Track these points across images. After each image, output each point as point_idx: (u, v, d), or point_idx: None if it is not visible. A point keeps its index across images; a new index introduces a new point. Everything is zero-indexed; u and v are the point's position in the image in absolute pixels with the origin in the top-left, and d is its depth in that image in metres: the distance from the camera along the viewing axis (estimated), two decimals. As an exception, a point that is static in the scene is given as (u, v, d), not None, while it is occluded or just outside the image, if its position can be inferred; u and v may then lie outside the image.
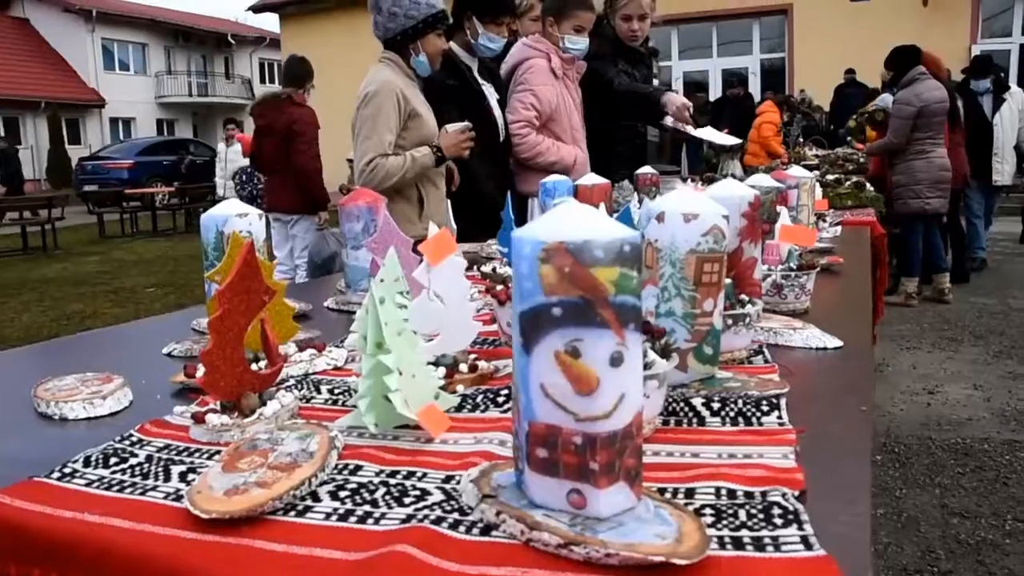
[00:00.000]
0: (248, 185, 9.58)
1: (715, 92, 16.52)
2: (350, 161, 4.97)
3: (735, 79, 15.80)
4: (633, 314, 0.56)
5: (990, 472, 3.54)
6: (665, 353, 0.80)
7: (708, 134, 4.09)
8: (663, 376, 0.78)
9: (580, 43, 3.61)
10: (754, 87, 16.50)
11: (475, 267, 1.97)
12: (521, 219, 3.41)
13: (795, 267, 1.37)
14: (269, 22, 23.50)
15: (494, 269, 1.83)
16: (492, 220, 3.21)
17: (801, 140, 9.47)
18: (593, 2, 3.72)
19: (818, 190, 2.70)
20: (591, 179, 1.88)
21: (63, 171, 26.11)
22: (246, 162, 10.05)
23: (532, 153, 3.54)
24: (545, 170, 3.60)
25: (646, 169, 2.87)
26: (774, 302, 1.38)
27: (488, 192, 3.31)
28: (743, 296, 1.10)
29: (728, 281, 1.03)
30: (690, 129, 3.84)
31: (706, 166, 5.40)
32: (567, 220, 0.56)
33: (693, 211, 0.86)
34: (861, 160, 6.89)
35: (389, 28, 2.96)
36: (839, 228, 2.72)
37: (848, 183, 3.82)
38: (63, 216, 13.91)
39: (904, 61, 6.50)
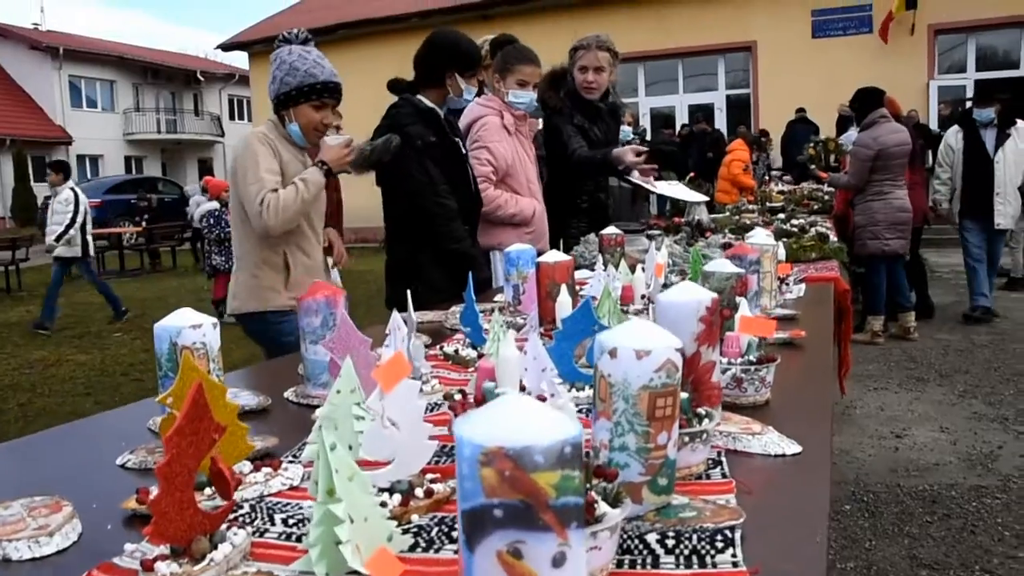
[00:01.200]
0: (216, 228, 9.52)
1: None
2: None
3: (700, 114, 16.05)
4: (575, 512, 0.55)
5: (957, 520, 3.56)
6: (616, 501, 0.79)
7: (674, 190, 4.15)
8: (615, 525, 0.78)
9: (524, 97, 3.67)
10: (720, 122, 16.75)
11: (437, 347, 1.96)
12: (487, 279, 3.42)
13: (755, 359, 1.38)
14: (239, 59, 23.50)
15: (456, 351, 1.83)
16: (466, 275, 3.23)
17: (767, 178, 9.58)
18: (536, 56, 3.80)
19: (781, 251, 2.73)
20: (553, 256, 1.88)
21: (28, 209, 25.85)
22: (214, 204, 10.02)
23: (492, 207, 3.59)
24: (505, 222, 3.66)
25: (611, 230, 2.88)
26: (734, 395, 1.38)
27: (472, 253, 3.32)
28: (700, 409, 1.10)
29: (684, 396, 1.03)
30: (657, 186, 3.92)
31: (673, 210, 5.43)
32: (508, 420, 0.55)
33: (645, 347, 0.86)
34: (826, 198, 6.99)
35: (271, 90, 2.92)
36: (803, 286, 2.74)
37: (811, 233, 3.85)
38: (28, 257, 13.75)
39: (868, 101, 6.61)
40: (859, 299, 6.75)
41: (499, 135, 3.63)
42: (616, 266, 2.47)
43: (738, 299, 1.51)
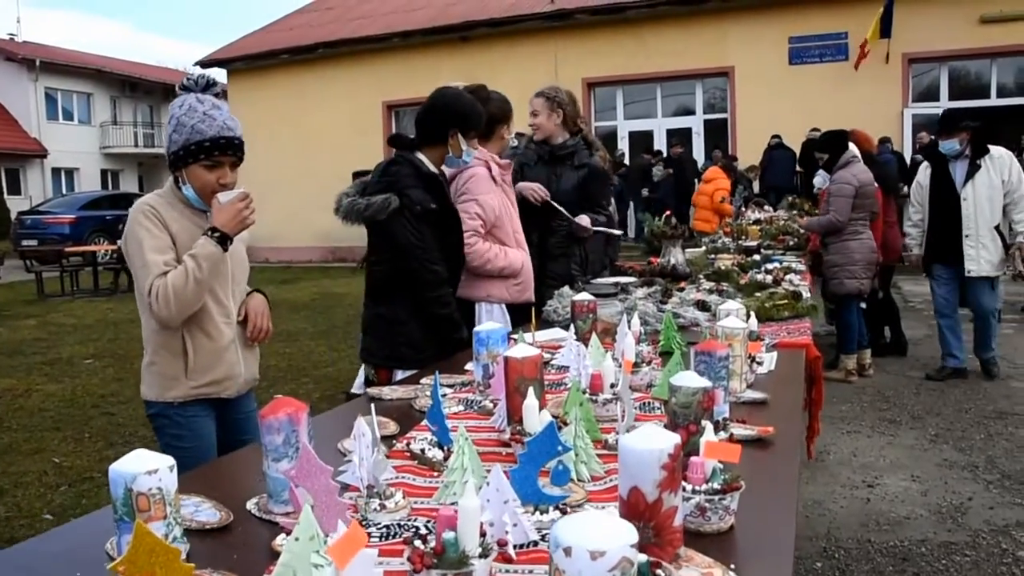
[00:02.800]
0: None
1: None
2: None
3: (675, 139, 16.20)
4: None
5: (928, 580, 3.57)
6: None
7: (593, 224, 4.28)
8: None
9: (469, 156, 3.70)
10: (698, 146, 16.88)
11: (404, 441, 1.94)
12: (471, 327, 3.42)
13: (719, 487, 1.37)
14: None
15: (423, 451, 1.81)
16: (452, 341, 3.23)
17: (743, 209, 9.65)
18: (509, 107, 3.94)
19: (753, 322, 2.73)
20: (522, 351, 1.86)
21: (2, 223, 25.58)
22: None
23: (482, 261, 3.60)
24: (493, 275, 3.66)
25: (583, 296, 2.87)
26: (698, 523, 1.37)
27: (456, 318, 3.32)
28: (659, 572, 1.09)
29: (642, 558, 1.02)
30: (582, 219, 4.09)
31: (648, 248, 5.45)
32: None
33: (600, 548, 0.84)
34: (800, 232, 7.04)
35: (166, 148, 2.59)
36: (775, 355, 2.74)
37: (784, 289, 3.86)
38: (-1, 275, 13.59)
39: (838, 144, 6.70)
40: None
41: (488, 186, 3.65)
42: (587, 340, 2.46)
43: (704, 422, 1.50)
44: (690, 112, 17.67)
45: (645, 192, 15.88)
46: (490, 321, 3.60)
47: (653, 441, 1.17)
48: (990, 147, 6.56)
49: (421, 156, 3.28)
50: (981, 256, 6.50)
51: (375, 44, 19.21)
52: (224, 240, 2.47)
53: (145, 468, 1.19)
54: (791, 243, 6.81)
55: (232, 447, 2.54)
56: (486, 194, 3.61)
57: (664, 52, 16.78)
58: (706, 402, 1.54)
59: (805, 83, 15.51)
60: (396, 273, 3.21)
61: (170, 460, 1.23)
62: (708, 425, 1.48)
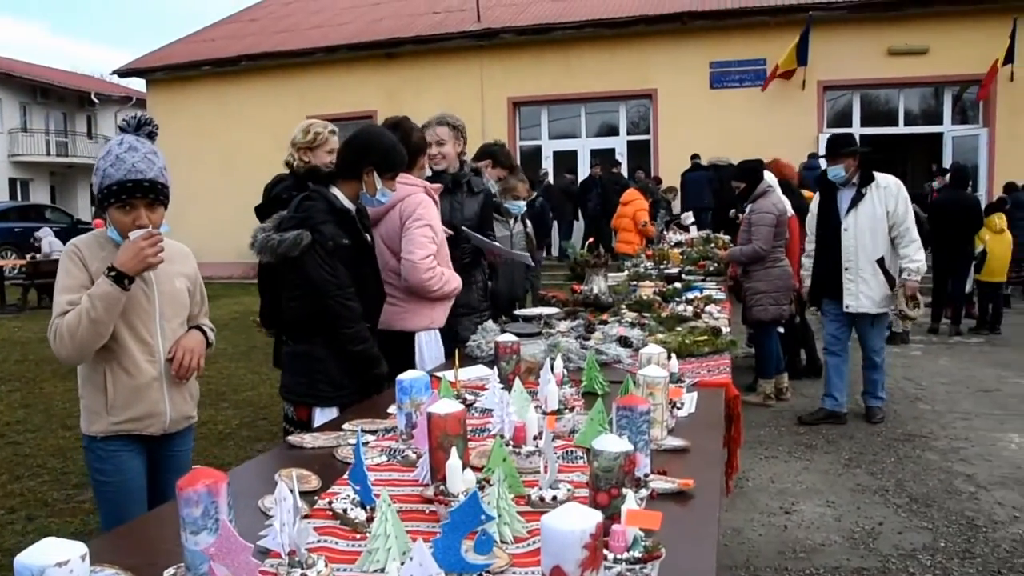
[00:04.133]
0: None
1: (583, 171, 17.08)
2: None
3: (597, 160, 16.44)
4: None
5: (841, 608, 3.66)
6: None
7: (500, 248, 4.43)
8: None
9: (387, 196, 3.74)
10: (621, 167, 17.13)
11: (326, 499, 1.90)
12: (409, 359, 3.40)
13: (640, 556, 1.38)
14: (137, 83, 22.86)
15: (345, 511, 1.78)
16: (370, 381, 3.20)
17: (664, 232, 9.82)
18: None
19: (675, 363, 2.77)
20: (445, 407, 1.85)
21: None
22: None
23: (442, 283, 3.64)
24: (435, 299, 3.67)
25: (506, 337, 2.87)
26: (620, 591, 1.38)
27: (374, 353, 3.28)
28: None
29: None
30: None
31: (572, 274, 5.49)
32: None
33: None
34: (722, 265, 7.18)
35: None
36: (695, 397, 2.79)
37: (704, 323, 3.93)
38: None
39: (754, 174, 6.84)
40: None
41: (434, 212, 3.71)
42: (511, 383, 2.46)
43: (625, 490, 1.51)
44: (614, 132, 17.93)
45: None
46: (430, 349, 3.65)
47: (575, 522, 1.18)
48: (877, 175, 6.11)
49: (336, 190, 3.25)
50: (860, 291, 6.11)
51: (299, 58, 19.01)
52: (121, 279, 2.44)
53: (55, 560, 1.14)
54: (711, 268, 6.95)
55: (165, 484, 2.65)
56: (435, 219, 3.69)
57: (589, 73, 17.03)
58: (627, 465, 1.56)
59: (725, 107, 15.94)
60: (311, 309, 3.16)
61: (82, 548, 1.18)
62: (629, 493, 1.49)
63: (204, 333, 2.83)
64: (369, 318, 3.29)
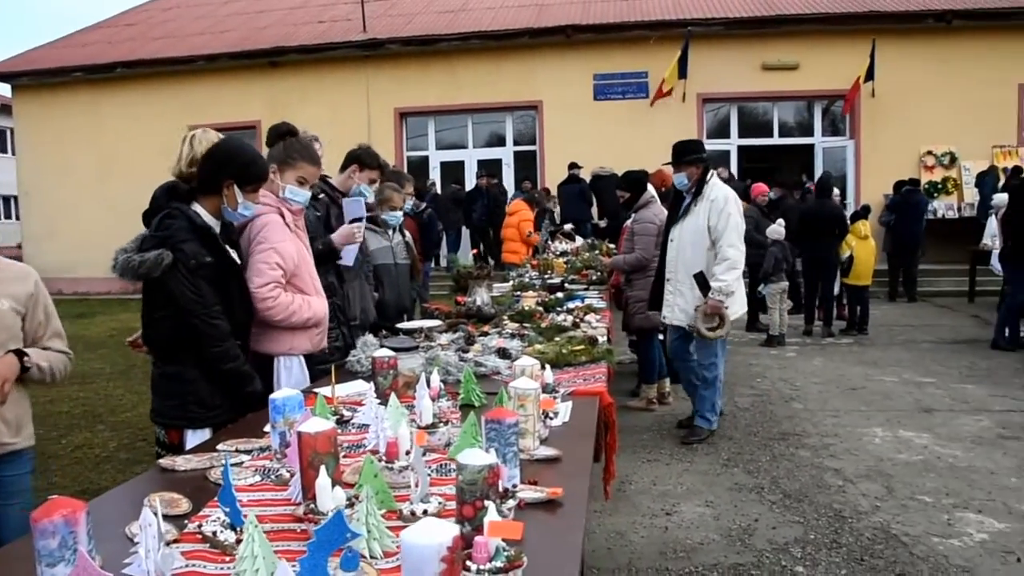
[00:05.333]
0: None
1: (470, 182, 17.18)
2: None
3: (483, 171, 16.59)
4: None
5: (717, 604, 3.81)
6: None
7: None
8: None
9: (301, 195, 3.68)
10: (508, 177, 17.32)
11: (195, 522, 1.88)
12: (268, 383, 3.34)
13: (502, 566, 1.42)
14: (1, 88, 21.74)
15: (215, 533, 1.77)
16: (244, 398, 3.14)
17: (549, 242, 9.98)
18: (318, 157, 3.85)
19: (549, 374, 2.84)
20: (314, 425, 1.86)
21: None
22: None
23: (287, 314, 3.49)
24: (295, 327, 3.58)
25: (383, 352, 2.89)
26: (483, 601, 1.42)
27: (245, 371, 3.23)
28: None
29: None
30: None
31: (457, 286, 5.53)
32: None
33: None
34: (604, 273, 7.35)
35: None
36: (570, 404, 2.86)
37: (582, 333, 4.03)
38: None
39: (638, 185, 7.02)
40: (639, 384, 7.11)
41: (283, 234, 3.56)
42: (386, 400, 2.48)
43: (487, 501, 1.55)
44: (501, 143, 18.10)
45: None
46: (289, 376, 3.55)
47: (432, 536, 1.21)
48: (710, 187, 5.93)
49: (197, 207, 3.18)
50: (676, 304, 6.00)
51: (180, 66, 18.46)
52: None
53: None
54: (594, 277, 7.11)
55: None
56: (283, 242, 3.53)
57: (475, 84, 17.15)
58: (491, 478, 1.60)
59: (609, 118, 16.32)
60: (178, 330, 3.09)
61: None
62: (491, 505, 1.53)
63: (22, 357, 2.74)
64: (240, 335, 3.23)
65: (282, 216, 3.61)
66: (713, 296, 5.71)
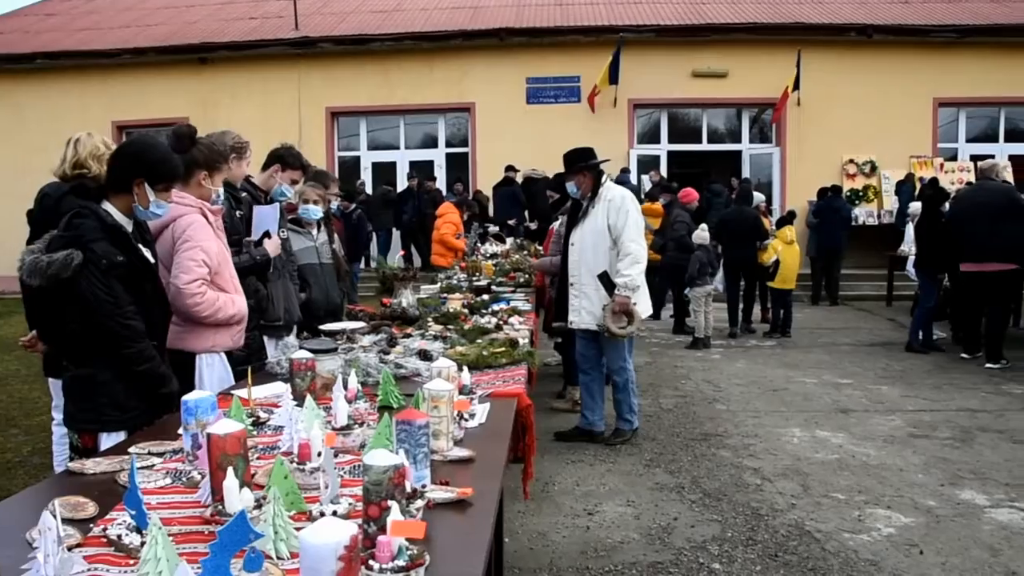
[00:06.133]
0: None
1: (402, 183, 17.12)
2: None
3: (415, 172, 16.57)
4: None
5: (635, 602, 3.88)
6: None
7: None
8: None
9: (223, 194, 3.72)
10: (440, 179, 17.31)
11: (101, 525, 1.86)
12: (189, 381, 3.31)
13: (404, 564, 1.45)
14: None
15: (120, 537, 1.76)
16: (160, 399, 3.10)
17: (478, 245, 10.01)
18: (217, 157, 3.89)
19: (466, 376, 2.87)
20: (224, 427, 1.86)
21: None
22: None
23: (213, 310, 3.53)
24: (220, 323, 3.58)
25: (301, 354, 2.89)
26: (386, 600, 1.44)
27: (161, 371, 3.19)
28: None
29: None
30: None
31: (383, 288, 5.52)
32: None
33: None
34: (531, 275, 7.41)
35: None
36: (487, 406, 2.89)
37: (504, 335, 4.07)
38: None
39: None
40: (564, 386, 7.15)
41: (208, 233, 3.60)
42: (302, 400, 2.48)
43: (391, 501, 1.58)
44: (433, 145, 18.08)
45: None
46: (212, 372, 3.56)
47: (329, 535, 1.23)
48: (606, 188, 6.00)
49: (108, 206, 3.13)
50: (583, 307, 5.95)
51: (104, 59, 17.96)
52: None
53: None
54: (521, 280, 7.16)
55: None
56: (207, 240, 3.57)
57: (408, 85, 17.10)
58: (396, 479, 1.62)
59: (541, 121, 16.42)
60: (91, 332, 3.03)
61: None
62: (394, 505, 1.55)
63: None
64: (155, 335, 3.19)
65: (204, 216, 3.61)
66: (620, 292, 5.71)
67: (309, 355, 2.89)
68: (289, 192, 4.75)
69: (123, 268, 3.05)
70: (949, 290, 10.22)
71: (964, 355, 9.43)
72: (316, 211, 5.21)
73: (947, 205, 9.72)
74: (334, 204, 6.09)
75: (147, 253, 3.26)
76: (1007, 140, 17.71)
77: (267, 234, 4.39)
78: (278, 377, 3.41)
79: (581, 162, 6.01)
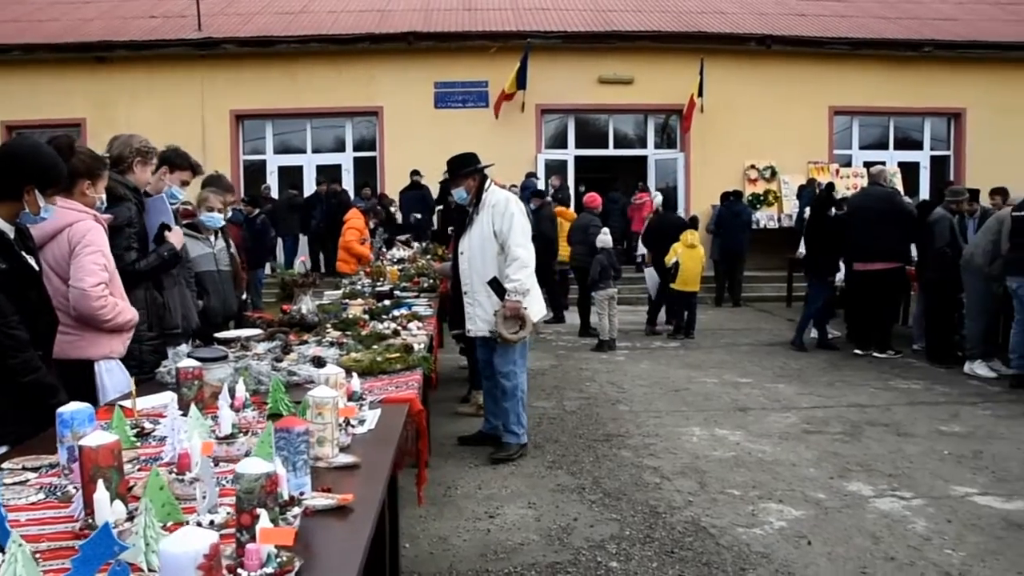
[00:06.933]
0: None
1: (309, 187, 16.92)
2: None
3: (323, 177, 16.40)
4: None
5: (533, 602, 3.93)
6: None
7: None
8: None
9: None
10: (348, 183, 17.17)
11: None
12: (90, 389, 3.23)
13: (272, 571, 1.45)
14: None
15: None
16: (50, 407, 3.00)
17: (384, 249, 9.97)
18: (98, 164, 3.83)
19: (356, 382, 2.87)
20: (96, 438, 1.83)
21: None
22: None
23: (114, 314, 3.52)
24: (115, 329, 3.53)
25: (188, 363, 2.84)
26: (254, 608, 1.44)
27: (48, 382, 3.10)
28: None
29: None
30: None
31: (283, 294, 5.46)
32: None
33: None
34: (435, 280, 7.43)
35: None
36: (378, 412, 2.90)
37: (398, 344, 4.07)
38: None
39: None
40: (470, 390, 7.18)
41: (104, 239, 3.57)
42: (187, 409, 2.45)
43: (259, 511, 1.57)
44: (341, 149, 17.91)
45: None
46: (112, 378, 3.51)
47: (188, 544, 1.23)
48: (490, 192, 5.92)
49: None
50: (476, 314, 5.87)
51: (-11, 56, 17.22)
52: None
53: None
54: (426, 285, 7.17)
55: None
56: (106, 247, 3.56)
57: (315, 88, 16.91)
58: (269, 486, 1.63)
59: (450, 126, 16.44)
60: None
61: None
62: (263, 512, 1.56)
63: None
64: (41, 345, 3.10)
65: (99, 222, 3.60)
66: (510, 297, 5.63)
67: (196, 364, 2.85)
68: (180, 193, 4.67)
69: (5, 276, 2.96)
70: (843, 289, 10.69)
71: (857, 351, 9.89)
72: (219, 219, 5.15)
73: (833, 210, 10.19)
74: (230, 211, 5.99)
75: (31, 260, 3.16)
76: (897, 148, 18.60)
77: (166, 227, 4.30)
78: (169, 387, 3.35)
79: (466, 167, 5.93)
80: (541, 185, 15.01)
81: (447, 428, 6.71)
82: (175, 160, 4.68)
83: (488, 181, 6.00)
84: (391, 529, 3.33)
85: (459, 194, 5.98)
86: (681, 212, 16.73)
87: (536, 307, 5.92)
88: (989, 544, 4.44)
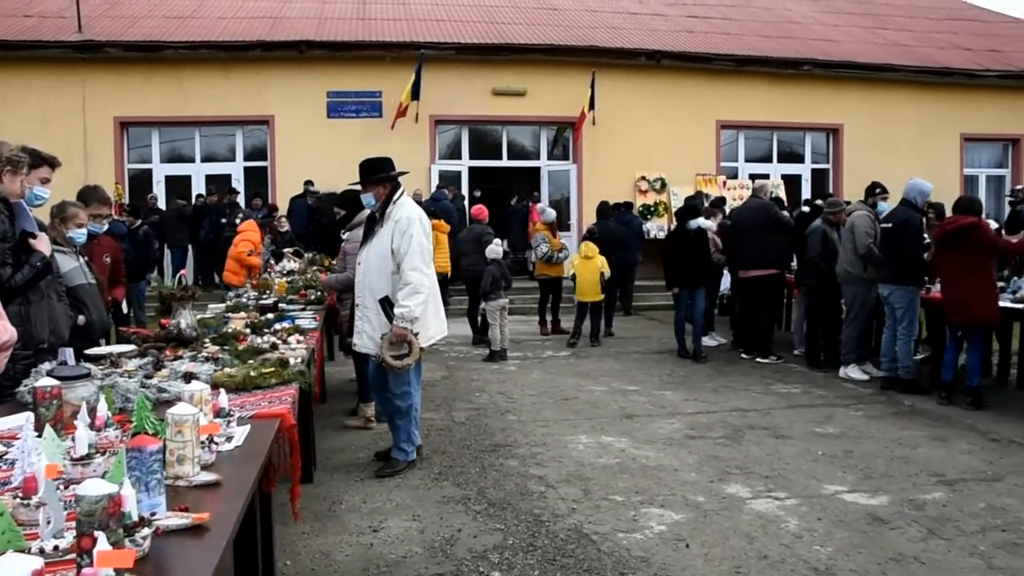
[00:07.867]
0: None
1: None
2: None
3: (212, 186, 16.05)
4: None
5: (412, 615, 3.94)
6: None
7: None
8: None
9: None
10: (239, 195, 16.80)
11: None
12: None
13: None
14: None
15: None
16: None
17: (273, 262, 9.82)
18: None
19: (223, 398, 2.84)
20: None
21: None
22: None
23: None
24: None
25: (46, 382, 2.76)
26: (90, 633, 1.42)
27: None
28: None
29: None
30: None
31: (162, 308, 5.31)
32: None
33: None
34: (323, 293, 7.35)
35: None
36: (247, 428, 2.87)
37: (274, 359, 4.03)
38: None
39: (355, 202, 7.05)
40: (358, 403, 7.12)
41: None
42: (42, 430, 2.38)
43: (98, 532, 1.55)
44: (230, 158, 17.52)
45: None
46: None
47: (7, 571, 1.21)
48: (396, 206, 5.63)
49: None
50: (364, 330, 5.66)
51: None
52: None
53: None
54: (313, 297, 7.09)
55: None
56: None
57: (204, 96, 16.51)
58: (111, 508, 1.60)
59: (342, 136, 16.29)
60: None
61: None
62: (101, 535, 1.53)
63: None
64: None
65: None
66: (397, 323, 5.37)
67: (55, 383, 2.76)
68: (44, 193, 4.39)
69: None
70: (728, 297, 11.09)
71: (744, 355, 10.29)
72: (81, 234, 4.99)
73: (691, 223, 10.51)
74: (105, 223, 5.81)
75: None
76: (780, 160, 19.37)
77: (29, 235, 4.08)
78: (28, 407, 3.23)
79: (379, 173, 5.67)
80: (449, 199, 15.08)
81: (334, 442, 6.65)
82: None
83: (399, 192, 5.72)
84: (264, 546, 3.29)
85: (367, 200, 5.72)
86: (574, 222, 17.03)
87: (427, 334, 5.67)
88: (854, 539, 4.67)
